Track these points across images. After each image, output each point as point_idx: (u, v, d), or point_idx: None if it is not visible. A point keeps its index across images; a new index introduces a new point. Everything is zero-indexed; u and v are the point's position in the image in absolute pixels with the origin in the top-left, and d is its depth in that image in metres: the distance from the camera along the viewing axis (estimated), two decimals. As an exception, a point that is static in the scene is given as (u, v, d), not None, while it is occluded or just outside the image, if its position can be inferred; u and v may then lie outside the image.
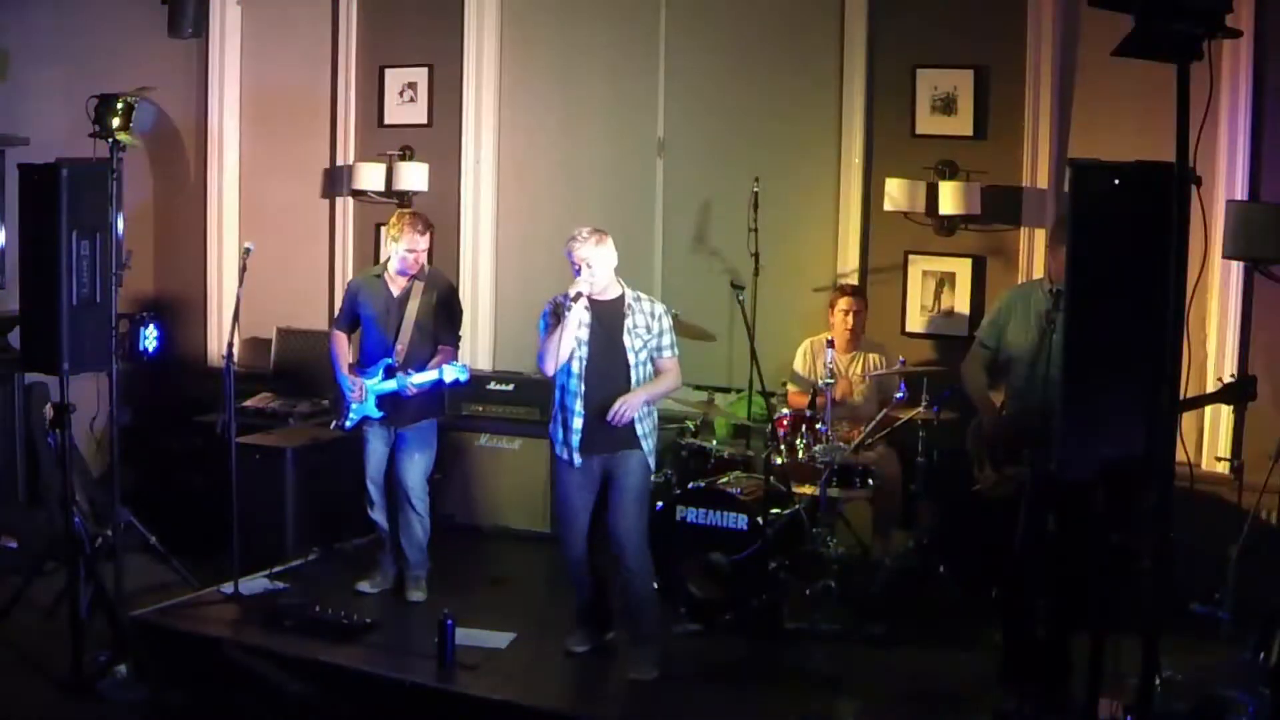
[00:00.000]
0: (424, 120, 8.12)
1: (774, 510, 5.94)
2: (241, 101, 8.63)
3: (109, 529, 6.25)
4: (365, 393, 6.18)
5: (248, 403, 7.76)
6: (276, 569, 6.59)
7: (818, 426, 6.19)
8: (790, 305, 7.09)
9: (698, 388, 6.92)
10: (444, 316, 6.27)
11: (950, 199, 6.68)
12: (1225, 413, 6.28)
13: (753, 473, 6.38)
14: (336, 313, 6.70)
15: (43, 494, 7.30)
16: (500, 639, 5.73)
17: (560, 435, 5.44)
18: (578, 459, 5.38)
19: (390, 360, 6.15)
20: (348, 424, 6.30)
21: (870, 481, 6.22)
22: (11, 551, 6.87)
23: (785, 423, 6.31)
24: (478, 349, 8.01)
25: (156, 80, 7.61)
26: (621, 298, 5.42)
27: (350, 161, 8.27)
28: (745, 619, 5.78)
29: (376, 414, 6.21)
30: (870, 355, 6.66)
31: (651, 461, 5.49)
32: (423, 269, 6.31)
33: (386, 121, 8.23)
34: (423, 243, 6.19)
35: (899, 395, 6.25)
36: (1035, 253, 6.59)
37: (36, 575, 6.03)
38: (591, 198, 7.71)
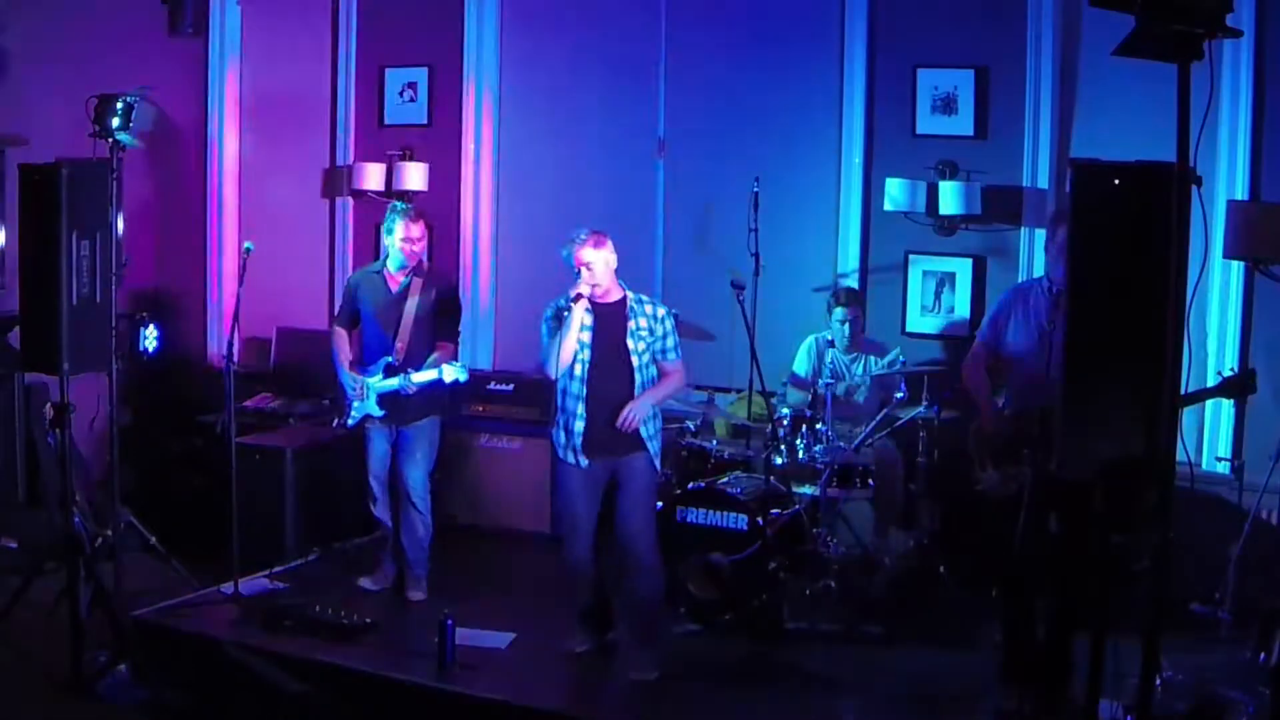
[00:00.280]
0: (424, 120, 8.13)
1: (774, 510, 5.94)
2: (241, 101, 8.63)
3: (109, 529, 6.25)
4: (366, 391, 6.18)
5: (248, 403, 7.76)
6: (276, 569, 6.59)
7: (818, 426, 6.19)
8: (790, 305, 7.09)
9: (698, 388, 6.92)
10: (443, 314, 6.26)
11: (950, 199, 6.68)
12: (1225, 412, 6.29)
13: (753, 473, 6.38)
14: (337, 310, 6.70)
15: (43, 494, 7.30)
16: (500, 639, 5.73)
17: (563, 439, 5.42)
18: (583, 460, 5.37)
19: (391, 358, 6.15)
20: (350, 422, 6.30)
21: (870, 481, 6.21)
22: (11, 551, 6.87)
23: (785, 423, 6.30)
24: (478, 349, 8.01)
25: (156, 80, 7.61)
26: (623, 300, 5.41)
27: (350, 161, 8.27)
28: (745, 619, 5.79)
29: (378, 412, 6.20)
30: (871, 356, 6.65)
31: (657, 463, 5.49)
32: (422, 264, 6.31)
33: (386, 121, 8.23)
34: (416, 230, 6.16)
35: (899, 395, 6.25)
36: (1035, 253, 6.59)
37: (36, 575, 6.03)
38: (591, 198, 7.70)
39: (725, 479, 6.23)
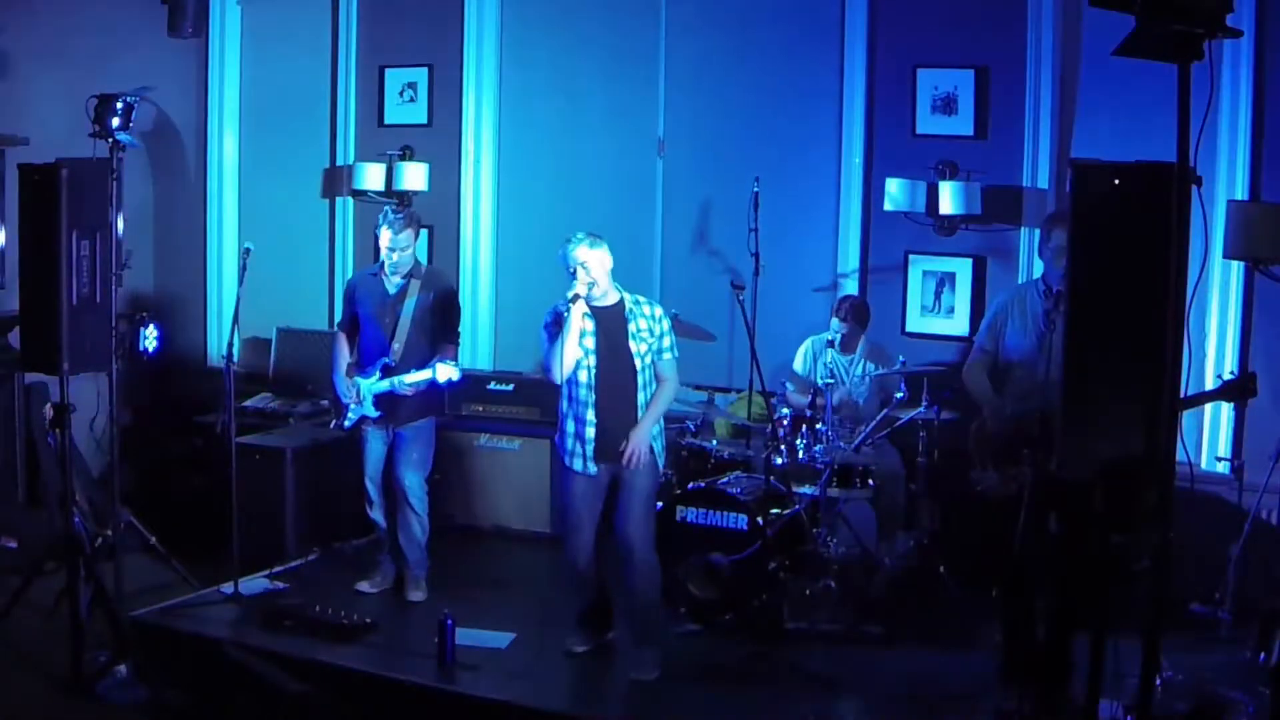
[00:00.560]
0: (424, 120, 8.13)
1: (774, 510, 5.94)
2: (241, 101, 8.63)
3: (109, 529, 6.25)
4: (361, 393, 6.18)
5: (248, 403, 7.76)
6: (276, 569, 6.59)
7: (818, 426, 6.19)
8: (790, 305, 7.09)
9: (698, 388, 6.93)
10: (441, 316, 6.25)
11: (950, 199, 6.68)
12: (1225, 412, 6.29)
13: (753, 473, 6.38)
14: (339, 313, 6.70)
15: (43, 494, 7.30)
16: (500, 639, 5.73)
17: (570, 445, 5.41)
18: (592, 468, 5.36)
19: (388, 359, 6.14)
20: (346, 423, 6.30)
21: (870, 481, 6.22)
22: (11, 551, 6.87)
23: (785, 423, 6.30)
24: (478, 349, 8.02)
25: (156, 80, 7.62)
26: (621, 303, 5.41)
27: (350, 161, 8.27)
28: (745, 619, 5.79)
29: (374, 413, 6.20)
30: (869, 358, 6.65)
31: (660, 462, 5.50)
32: (418, 266, 6.30)
33: (386, 121, 8.23)
34: (399, 240, 6.09)
35: (899, 395, 6.25)
36: (1035, 253, 6.59)
37: (36, 575, 6.03)
38: (591, 198, 7.71)
39: (725, 479, 6.23)
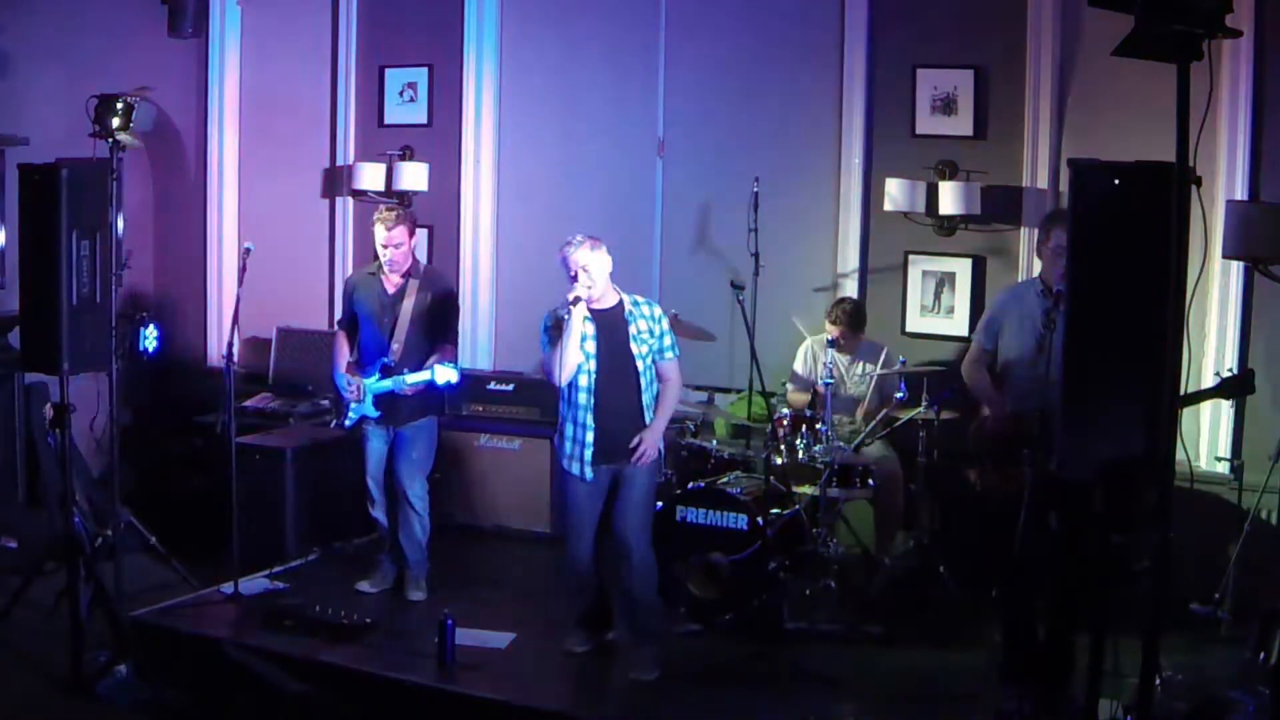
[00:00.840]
0: (424, 120, 8.13)
1: (774, 510, 5.94)
2: (241, 101, 8.63)
3: (109, 529, 6.25)
4: (363, 392, 6.18)
5: (248, 403, 7.76)
6: (276, 569, 6.59)
7: (818, 426, 6.19)
8: (790, 305, 7.09)
9: (698, 388, 6.92)
10: (440, 316, 6.25)
11: (950, 199, 6.68)
12: (1225, 412, 6.29)
13: (753, 473, 6.38)
14: (339, 313, 6.70)
15: (43, 494, 7.30)
16: (500, 639, 5.73)
17: (569, 449, 5.40)
18: (589, 472, 5.36)
19: (387, 359, 6.14)
20: (347, 423, 6.31)
21: (870, 481, 6.22)
22: (11, 551, 6.87)
23: (785, 423, 6.31)
24: (478, 349, 8.02)
25: (156, 80, 7.60)
26: (620, 304, 5.40)
27: (350, 161, 8.27)
28: (745, 619, 5.78)
29: (374, 413, 6.20)
30: (869, 359, 6.64)
31: (662, 463, 5.49)
32: (417, 266, 6.30)
33: (386, 121, 8.23)
34: (395, 236, 6.10)
35: (899, 395, 6.25)
36: (1034, 253, 6.59)
37: (36, 575, 6.03)
38: (591, 198, 7.71)
39: (725, 479, 6.24)
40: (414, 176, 7.96)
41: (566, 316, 5.25)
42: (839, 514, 6.33)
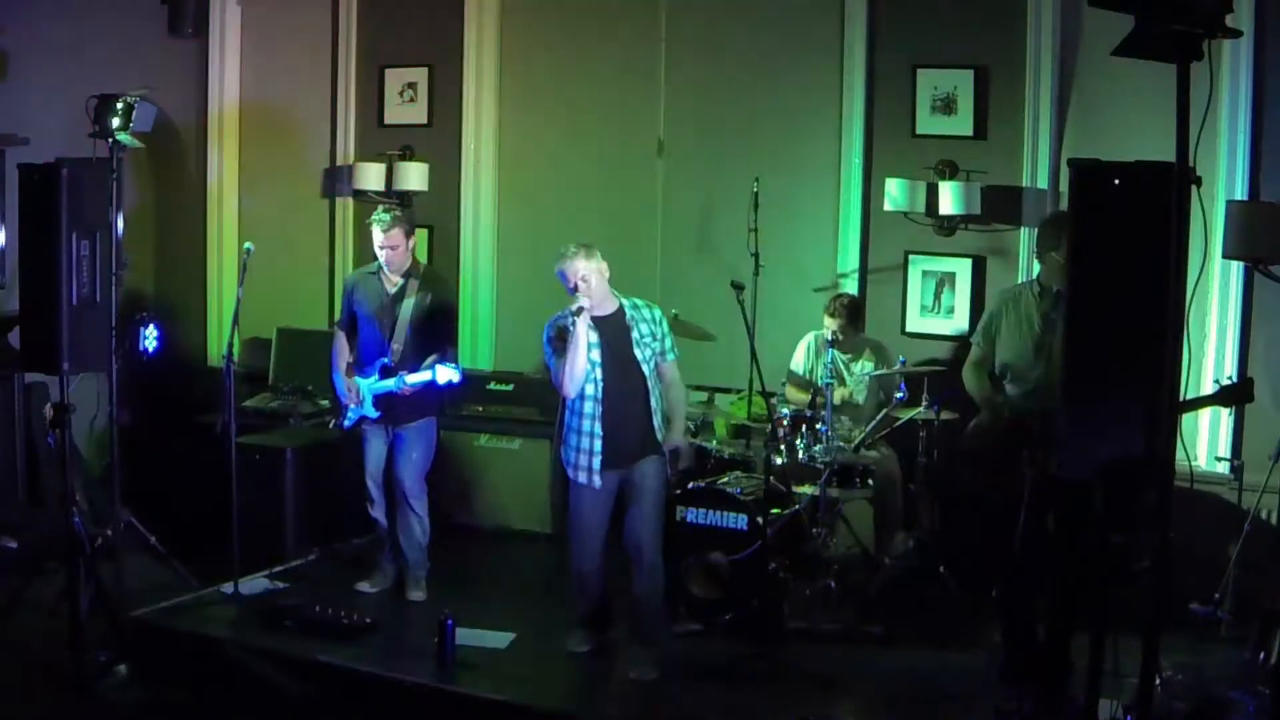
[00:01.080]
0: (424, 120, 8.13)
1: (774, 510, 5.94)
2: (241, 101, 8.63)
3: (109, 529, 6.25)
4: (362, 393, 6.18)
5: (248, 403, 7.76)
6: (276, 569, 6.59)
7: (818, 426, 6.19)
8: (790, 305, 7.09)
9: (698, 388, 6.92)
10: (440, 317, 6.25)
11: (950, 199, 6.68)
12: (1225, 413, 6.28)
13: (753, 473, 6.38)
14: (338, 313, 6.70)
15: (43, 494, 7.30)
16: (500, 639, 5.73)
17: (576, 459, 5.38)
18: (598, 480, 5.35)
19: (387, 360, 6.14)
20: (346, 423, 6.31)
21: (870, 481, 6.22)
22: (11, 551, 6.87)
23: (785, 423, 6.30)
24: (478, 349, 8.01)
25: (156, 80, 7.62)
26: (621, 310, 5.39)
27: (350, 161, 8.27)
28: (745, 619, 5.78)
29: (374, 414, 6.20)
30: (870, 357, 6.64)
31: (666, 466, 5.49)
32: (416, 266, 6.31)
33: (386, 121, 8.23)
34: (392, 238, 6.10)
35: (899, 395, 6.25)
36: (1034, 253, 6.59)
37: (36, 575, 6.03)
38: (591, 198, 7.71)
39: (725, 479, 6.23)
40: (414, 176, 7.96)
41: (571, 328, 5.22)
42: (839, 514, 6.33)
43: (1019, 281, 6.43)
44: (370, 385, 6.17)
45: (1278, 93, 6.14)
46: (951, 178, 6.76)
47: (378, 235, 6.12)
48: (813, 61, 7.19)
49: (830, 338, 6.48)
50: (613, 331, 5.33)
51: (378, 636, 5.73)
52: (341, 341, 6.36)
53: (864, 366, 6.63)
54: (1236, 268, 6.20)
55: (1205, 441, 6.35)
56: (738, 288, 5.82)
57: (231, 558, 6.19)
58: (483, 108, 7.98)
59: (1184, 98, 3.46)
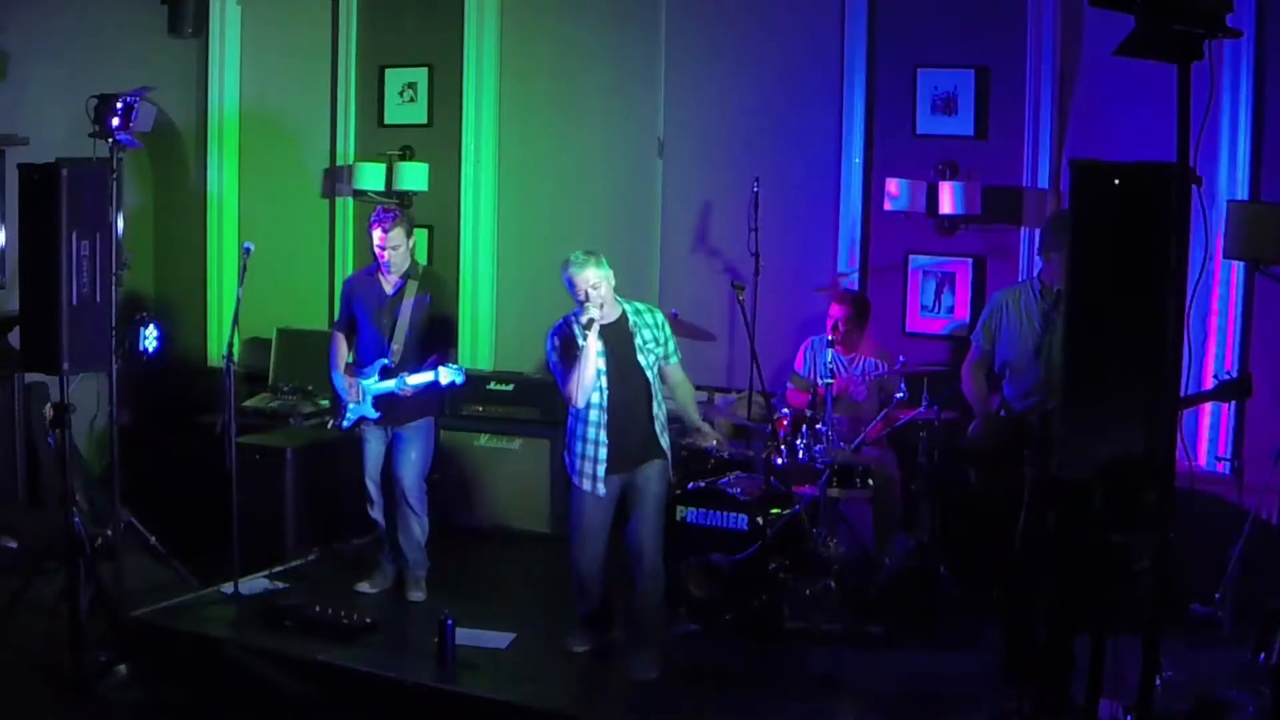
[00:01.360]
0: (424, 120, 8.13)
1: (774, 510, 5.94)
2: (241, 101, 8.63)
3: (109, 529, 6.25)
4: (361, 393, 6.18)
5: (248, 403, 7.76)
6: (276, 569, 6.59)
7: (818, 426, 6.19)
8: (790, 305, 7.09)
9: (698, 388, 6.91)
10: (439, 317, 6.25)
11: (950, 199, 6.68)
12: (1226, 412, 6.28)
13: (753, 473, 6.38)
14: (337, 313, 6.70)
15: (43, 494, 7.30)
16: (500, 639, 5.73)
17: (580, 465, 5.38)
18: (601, 488, 5.35)
19: (386, 360, 6.14)
20: (345, 424, 6.30)
21: (870, 481, 6.21)
22: (11, 551, 6.87)
23: (785, 423, 6.30)
24: (478, 349, 8.01)
25: (156, 80, 7.60)
26: (624, 316, 5.38)
27: (350, 161, 8.27)
28: (745, 619, 5.78)
29: (373, 414, 6.20)
30: (871, 357, 6.64)
31: (670, 468, 5.49)
32: (416, 266, 6.30)
33: (386, 121, 8.23)
34: (391, 238, 6.10)
35: (899, 395, 6.25)
36: (1035, 253, 6.59)
37: (36, 575, 6.03)
38: (591, 198, 7.71)
39: (725, 479, 6.23)
40: (414, 176, 7.96)
41: (581, 341, 5.21)
42: (839, 514, 6.32)
43: (1018, 281, 6.44)
44: (370, 386, 6.16)
45: (1278, 93, 6.14)
46: (952, 178, 6.76)
47: (378, 235, 6.12)
48: (813, 61, 7.18)
49: (831, 335, 6.48)
50: (616, 338, 5.32)
51: (378, 636, 5.73)
52: (339, 343, 6.35)
53: (863, 367, 6.62)
54: (1236, 268, 6.20)
55: (1205, 441, 6.35)
56: (738, 288, 5.83)
57: (231, 558, 6.19)
58: (483, 108, 7.98)
59: (1184, 98, 3.46)
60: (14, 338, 7.05)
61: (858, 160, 7.05)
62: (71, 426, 5.68)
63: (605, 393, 5.30)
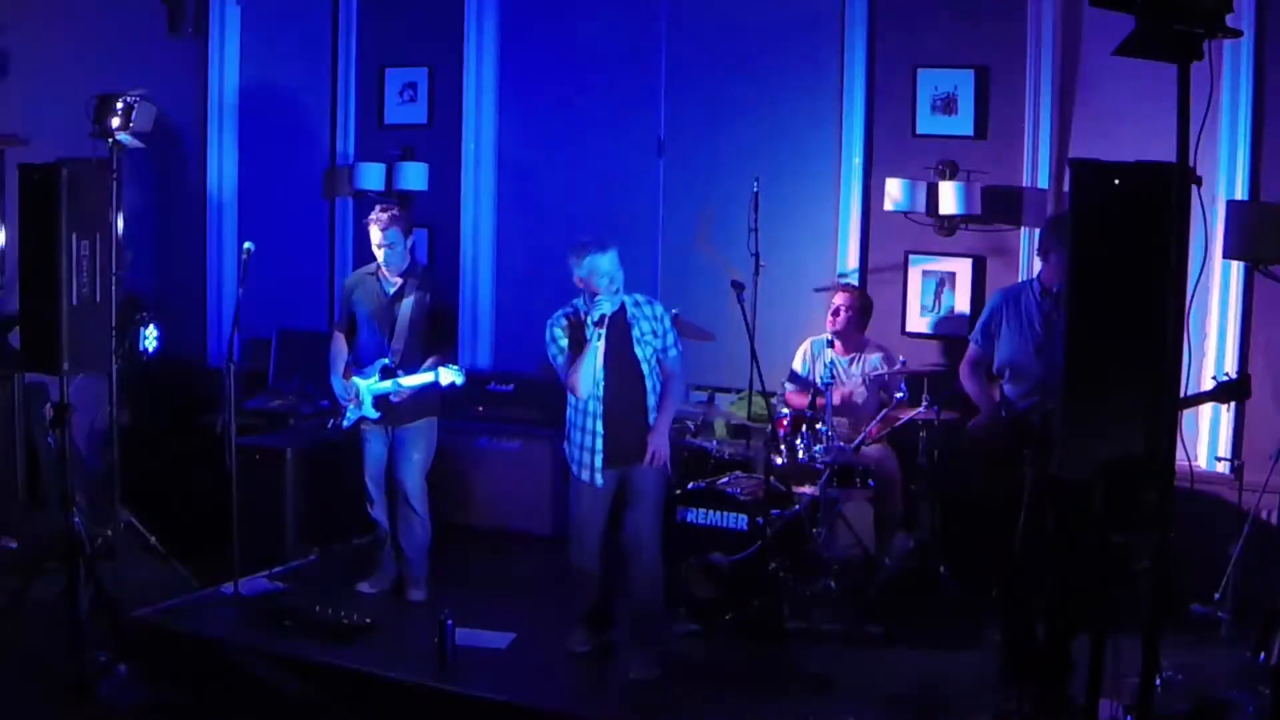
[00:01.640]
0: (424, 120, 8.13)
1: (774, 510, 5.94)
2: (241, 101, 8.63)
3: (109, 529, 6.25)
4: (361, 394, 6.18)
5: (248, 403, 7.76)
6: (276, 569, 6.59)
7: (818, 426, 6.19)
8: (790, 305, 7.09)
9: (698, 388, 6.92)
10: (439, 317, 6.26)
11: (950, 199, 6.68)
12: (1225, 412, 6.28)
13: (753, 473, 6.38)
14: (336, 313, 6.70)
15: (43, 494, 7.30)
16: (500, 639, 5.73)
17: (578, 455, 5.39)
18: (600, 478, 5.35)
19: (387, 360, 6.14)
20: (345, 423, 6.30)
21: (870, 481, 6.21)
22: (11, 551, 6.87)
23: (785, 423, 6.30)
24: (478, 349, 8.01)
25: (156, 80, 7.60)
26: (622, 306, 5.39)
27: (350, 161, 8.27)
28: (745, 619, 5.78)
29: (373, 414, 6.20)
30: (871, 356, 6.65)
31: (669, 466, 5.49)
32: (416, 266, 6.31)
33: (386, 121, 8.23)
34: (388, 236, 6.11)
35: (899, 395, 6.25)
36: (1035, 253, 6.59)
37: (36, 575, 6.03)
38: (592, 198, 7.71)
39: (725, 479, 6.23)
40: (414, 176, 7.96)
41: (589, 333, 5.21)
42: (839, 514, 6.33)
43: (1017, 281, 6.43)
44: (370, 386, 6.16)
45: (1278, 93, 6.14)
46: (951, 178, 6.76)
47: (376, 234, 6.13)
48: (813, 61, 7.19)
49: (832, 324, 6.48)
50: (614, 329, 5.32)
51: (378, 636, 5.73)
52: (339, 343, 6.35)
53: (862, 367, 6.62)
54: (1236, 268, 6.20)
55: (1205, 441, 6.35)
56: (738, 288, 5.83)
57: (231, 558, 6.19)
58: (483, 108, 7.98)
59: (1184, 98, 3.46)
60: (14, 338, 7.05)
61: (858, 160, 7.05)
62: (71, 426, 5.68)
63: (601, 384, 5.30)
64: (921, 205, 6.82)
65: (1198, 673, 5.12)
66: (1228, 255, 5.94)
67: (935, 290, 6.94)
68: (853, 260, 7.08)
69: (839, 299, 6.62)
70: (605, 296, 5.22)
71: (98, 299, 5.58)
